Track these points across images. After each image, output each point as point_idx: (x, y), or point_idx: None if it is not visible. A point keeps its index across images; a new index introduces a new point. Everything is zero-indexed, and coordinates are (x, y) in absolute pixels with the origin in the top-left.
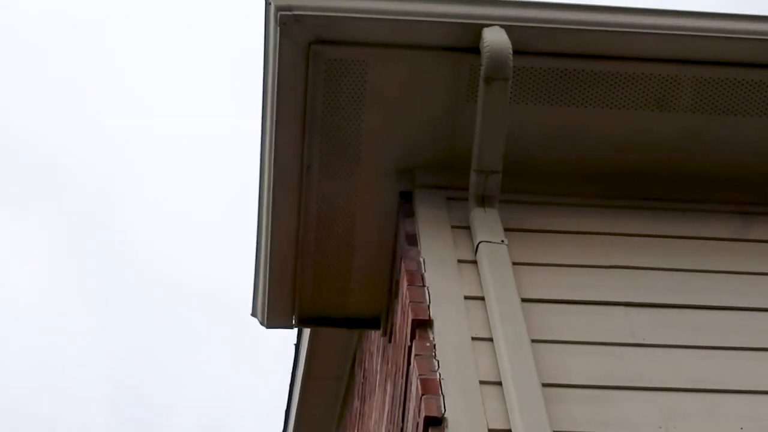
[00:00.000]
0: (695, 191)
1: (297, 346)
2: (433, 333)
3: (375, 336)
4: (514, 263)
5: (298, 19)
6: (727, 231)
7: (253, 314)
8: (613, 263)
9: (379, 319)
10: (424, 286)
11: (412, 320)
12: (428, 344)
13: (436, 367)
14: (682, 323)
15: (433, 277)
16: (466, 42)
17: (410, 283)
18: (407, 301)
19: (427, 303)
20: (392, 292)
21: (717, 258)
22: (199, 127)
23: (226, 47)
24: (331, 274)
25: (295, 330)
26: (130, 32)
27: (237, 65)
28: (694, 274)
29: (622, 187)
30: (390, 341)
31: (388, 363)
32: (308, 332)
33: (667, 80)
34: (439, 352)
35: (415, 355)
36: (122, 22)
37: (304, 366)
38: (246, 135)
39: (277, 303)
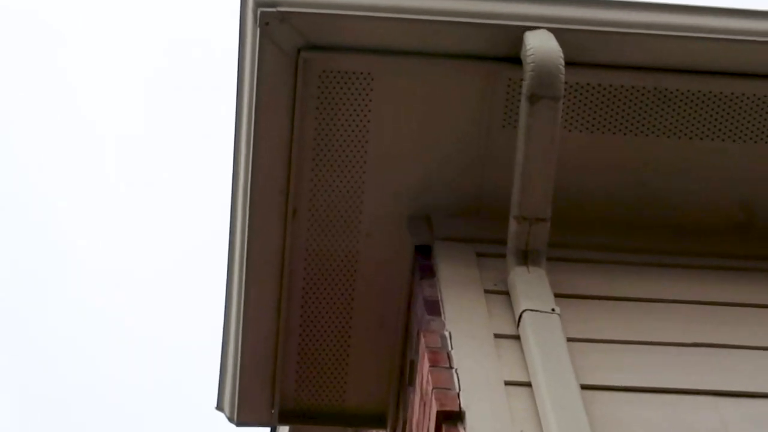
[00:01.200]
0: None
1: None
2: (465, 429)
3: None
4: (569, 339)
5: (284, 17)
6: None
7: (219, 407)
8: (695, 340)
9: (385, 415)
10: (451, 368)
11: (438, 412)
12: None
13: None
14: None
15: (463, 357)
16: (502, 49)
17: (433, 364)
18: (429, 388)
19: (457, 390)
20: (405, 378)
21: None
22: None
23: (187, 47)
24: (323, 355)
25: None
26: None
27: (198, 72)
28: None
29: (702, 241)
30: None
31: None
32: None
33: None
34: None
35: None
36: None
37: None
38: (215, 167)
39: (252, 392)
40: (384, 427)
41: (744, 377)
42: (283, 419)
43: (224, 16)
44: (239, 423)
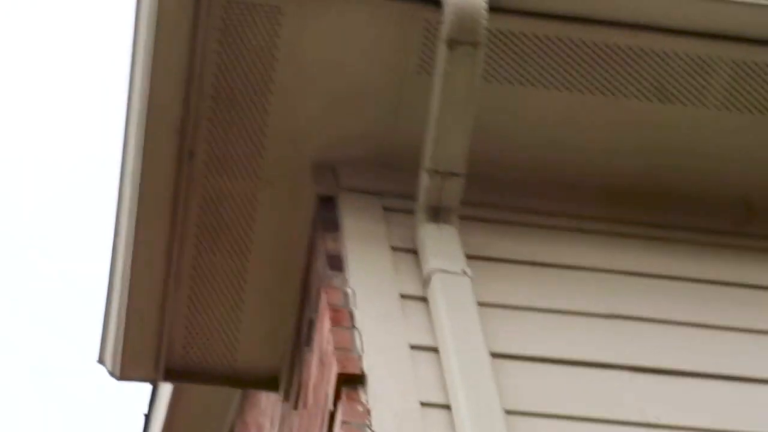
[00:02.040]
0: (724, 217)
1: (148, 418)
2: (366, 394)
3: (266, 402)
4: (480, 303)
5: None
6: None
7: (101, 360)
8: (612, 311)
9: (277, 377)
10: (353, 327)
11: (338, 375)
12: (360, 409)
13: None
14: (707, 398)
15: (366, 317)
16: None
17: (334, 323)
18: (329, 348)
19: (359, 352)
20: (301, 338)
21: (758, 311)
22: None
23: None
24: (214, 309)
25: (149, 393)
26: None
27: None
28: (725, 333)
29: (626, 206)
30: (295, 407)
31: None
32: (167, 395)
33: (699, 62)
34: (376, 422)
35: (342, 422)
36: None
37: None
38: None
39: (137, 345)
40: (276, 389)
41: (661, 353)
42: (169, 376)
43: None
44: (121, 378)
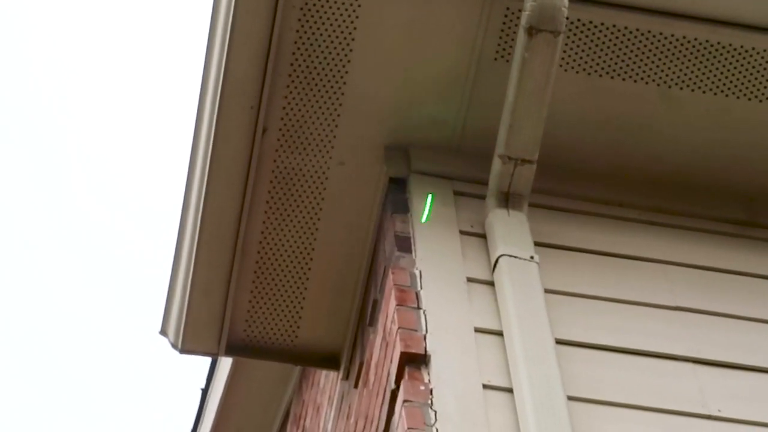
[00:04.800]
0: None
1: (205, 392)
2: (429, 374)
3: (325, 381)
4: (547, 290)
5: None
6: None
7: (163, 332)
8: (678, 304)
9: (338, 356)
10: (419, 308)
11: (401, 354)
12: (422, 388)
13: (433, 421)
14: None
15: (432, 298)
16: None
17: (400, 303)
18: (394, 328)
19: (423, 332)
20: (365, 318)
21: None
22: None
23: None
24: (279, 285)
25: (207, 367)
26: None
27: None
28: None
29: (697, 200)
30: (356, 386)
31: (349, 418)
32: (225, 371)
33: None
34: (438, 401)
35: (404, 401)
36: None
37: (215, 421)
38: (182, 75)
39: (200, 318)
40: (337, 368)
41: (727, 347)
42: (230, 351)
43: None
44: (183, 350)
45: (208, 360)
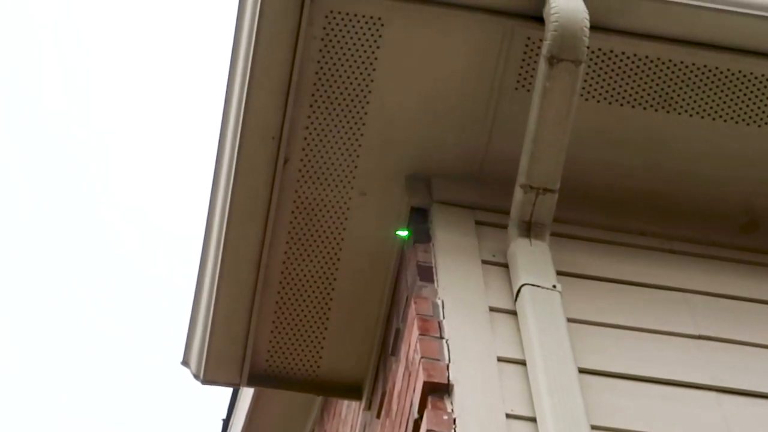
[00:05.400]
0: None
1: (226, 423)
2: (452, 403)
3: (347, 411)
4: (569, 319)
5: None
6: None
7: (185, 362)
8: (701, 332)
9: (361, 385)
10: (441, 338)
11: (424, 383)
12: (446, 418)
13: None
14: None
15: (454, 328)
16: (524, 5)
17: (422, 332)
18: (417, 357)
19: (446, 361)
20: (387, 347)
21: None
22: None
23: None
24: (301, 315)
25: (228, 397)
26: None
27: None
28: None
29: (717, 231)
30: (378, 416)
31: None
32: (246, 402)
33: None
34: (461, 431)
35: (427, 431)
36: None
37: None
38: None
39: (222, 349)
40: (359, 398)
41: (750, 375)
42: (252, 381)
43: None
44: (205, 381)
45: (229, 390)
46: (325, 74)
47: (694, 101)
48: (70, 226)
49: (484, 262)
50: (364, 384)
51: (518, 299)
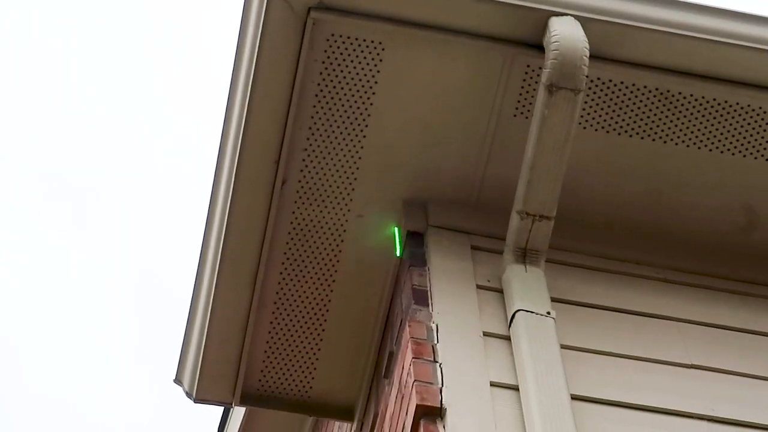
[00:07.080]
0: None
1: None
2: (444, 427)
3: None
4: (563, 346)
5: None
6: None
7: (178, 380)
8: (693, 362)
9: (353, 407)
10: (435, 361)
11: (417, 407)
12: None
13: None
14: None
15: (448, 352)
16: (524, 33)
17: (416, 356)
18: (410, 381)
19: (439, 385)
20: (380, 370)
21: None
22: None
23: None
24: (294, 336)
25: (219, 416)
26: None
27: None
28: None
29: (711, 261)
30: None
31: None
32: (238, 421)
33: None
34: None
35: None
36: None
37: None
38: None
39: (216, 368)
40: (351, 419)
41: (741, 405)
42: (245, 400)
43: None
44: (198, 399)
45: (220, 409)
46: (324, 97)
47: (692, 132)
48: (70, 226)
49: (479, 287)
50: (357, 406)
51: (512, 325)
